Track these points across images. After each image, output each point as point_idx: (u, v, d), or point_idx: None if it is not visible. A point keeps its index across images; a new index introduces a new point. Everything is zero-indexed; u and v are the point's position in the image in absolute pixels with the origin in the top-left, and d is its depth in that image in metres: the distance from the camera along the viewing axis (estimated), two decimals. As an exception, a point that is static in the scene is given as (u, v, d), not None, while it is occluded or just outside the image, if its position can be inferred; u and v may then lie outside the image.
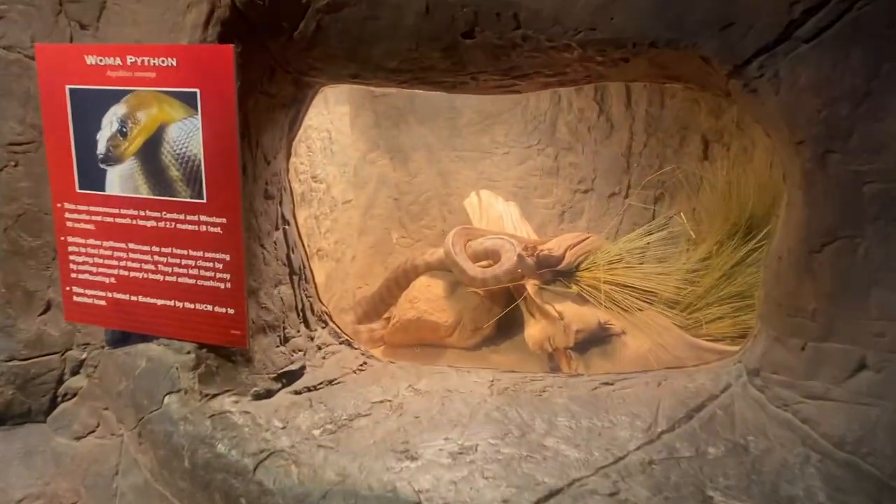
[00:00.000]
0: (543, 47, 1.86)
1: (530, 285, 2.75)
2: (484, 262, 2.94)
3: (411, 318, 2.89)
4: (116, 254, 2.08)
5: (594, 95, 3.47)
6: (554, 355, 2.68)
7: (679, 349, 2.44)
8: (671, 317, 2.54)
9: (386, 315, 3.23)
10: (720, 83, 1.86)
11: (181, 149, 1.93)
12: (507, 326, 3.04)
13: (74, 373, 2.47)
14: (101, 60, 1.96)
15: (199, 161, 1.92)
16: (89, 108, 2.00)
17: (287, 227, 2.48)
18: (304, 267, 2.56)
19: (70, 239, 2.12)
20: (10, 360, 2.29)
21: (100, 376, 2.40)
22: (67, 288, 2.16)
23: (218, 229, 1.95)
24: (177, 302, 2.05)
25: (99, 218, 2.07)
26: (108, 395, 2.38)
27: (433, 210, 3.80)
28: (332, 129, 3.19)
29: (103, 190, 2.04)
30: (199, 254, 1.99)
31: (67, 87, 2.00)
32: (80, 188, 2.06)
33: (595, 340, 2.61)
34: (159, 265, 2.04)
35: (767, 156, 3.02)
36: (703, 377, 2.24)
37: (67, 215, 2.10)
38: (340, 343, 2.66)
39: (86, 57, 1.97)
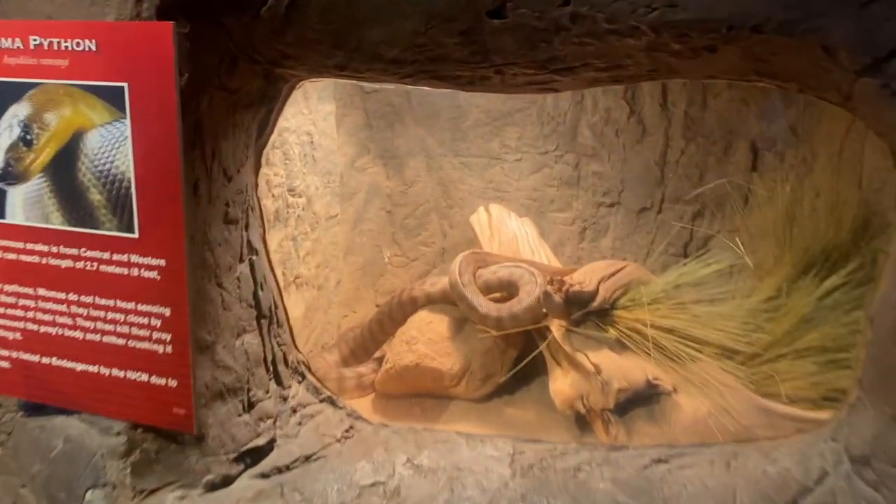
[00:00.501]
0: (600, 31, 1.40)
1: (555, 327, 2.29)
2: (497, 295, 2.46)
3: (408, 364, 2.42)
4: (22, 302, 1.59)
5: (623, 93, 3.01)
6: (587, 416, 2.22)
7: (746, 414, 1.99)
8: (734, 371, 2.09)
9: (377, 354, 2.75)
10: (840, 83, 1.40)
11: (104, 164, 1.45)
12: (524, 371, 2.58)
13: (-16, 440, 1.97)
14: (-5, 42, 1.47)
15: (129, 181, 1.43)
16: (-19, 106, 1.51)
17: (255, 257, 2.00)
18: (276, 307, 2.08)
19: (-38, 280, 1.62)
20: None
21: (14, 446, 1.92)
22: (-40, 343, 1.67)
23: (154, 273, 1.47)
24: (102, 368, 1.57)
25: (-2, 254, 1.58)
26: (24, 471, 1.89)
27: (432, 224, 3.33)
28: (315, 131, 2.70)
29: (3, 217, 1.56)
30: (131, 306, 1.51)
31: (-48, 78, 1.51)
32: (-27, 214, 1.57)
33: (639, 399, 2.15)
34: (78, 319, 1.56)
35: (832, 169, 2.57)
36: (787, 458, 1.78)
37: (-42, 249, 1.60)
38: (321, 401, 2.18)
39: (-25, 38, 1.48)
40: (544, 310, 2.28)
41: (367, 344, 2.71)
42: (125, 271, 1.49)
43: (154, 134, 1.40)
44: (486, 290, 2.45)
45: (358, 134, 3.17)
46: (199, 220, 1.68)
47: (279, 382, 2.04)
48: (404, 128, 3.24)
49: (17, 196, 1.53)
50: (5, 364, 1.65)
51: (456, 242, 3.32)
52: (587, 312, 2.30)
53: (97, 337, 1.55)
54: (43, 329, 1.58)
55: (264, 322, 2.02)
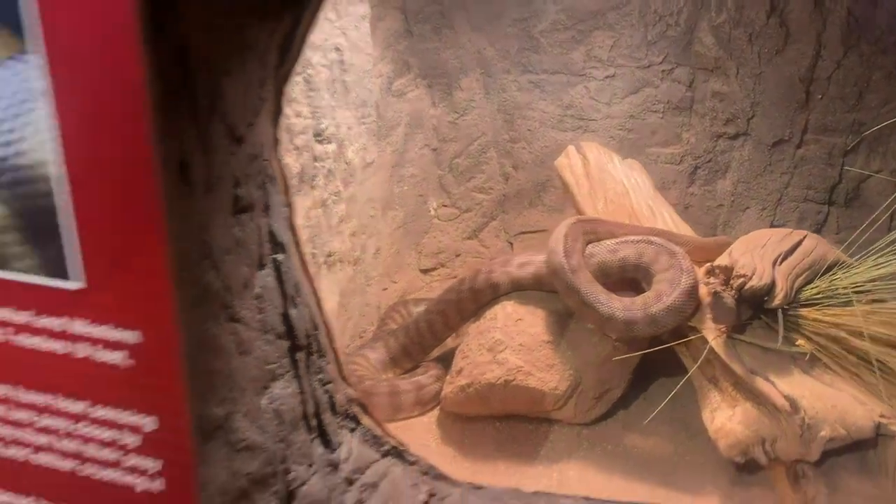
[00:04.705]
0: None
1: (710, 332, 1.64)
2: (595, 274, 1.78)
3: (494, 381, 1.77)
4: None
5: (762, -17, 2.26)
6: (768, 468, 1.59)
7: None
8: None
9: (435, 353, 2.10)
10: None
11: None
12: (647, 379, 1.95)
13: None
14: None
15: (49, 178, 0.73)
16: None
17: (281, 256, 1.31)
18: (316, 327, 1.41)
19: None
20: None
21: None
22: None
23: (119, 356, 0.79)
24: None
25: None
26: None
27: (490, 165, 2.63)
28: (345, 45, 1.95)
29: None
30: (79, 407, 0.84)
31: None
32: None
33: (850, 444, 1.52)
34: (-15, 423, 0.88)
35: None
36: None
37: None
38: (384, 455, 1.54)
39: None
40: (710, 315, 1.61)
41: (425, 340, 2.06)
42: (62, 348, 0.80)
43: (97, 79, 0.68)
44: (603, 275, 1.78)
45: (396, 45, 2.41)
46: (195, 226, 0.99)
47: (326, 443, 1.39)
48: (455, 35, 2.48)
49: None
50: None
51: (521, 187, 2.62)
52: (758, 308, 1.64)
53: (22, 454, 0.87)
54: (-73, 433, 0.91)
55: (300, 356, 1.35)
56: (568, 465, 1.78)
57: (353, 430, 1.50)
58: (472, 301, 1.95)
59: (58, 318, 0.79)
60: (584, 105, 2.50)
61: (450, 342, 2.12)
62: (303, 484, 1.28)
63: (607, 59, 2.44)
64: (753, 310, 1.64)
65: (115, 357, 0.78)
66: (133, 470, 0.84)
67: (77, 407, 0.83)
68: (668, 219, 2.01)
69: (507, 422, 1.89)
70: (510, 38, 2.47)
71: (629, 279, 1.83)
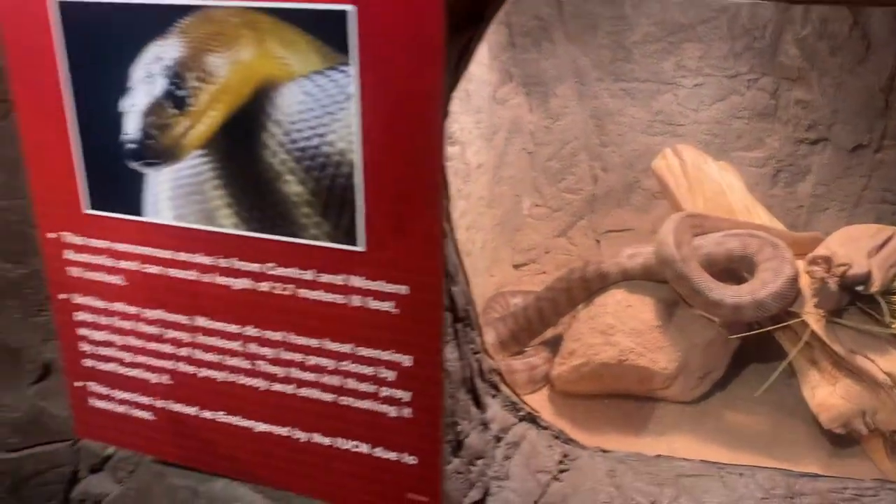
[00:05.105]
0: None
1: (812, 317, 1.79)
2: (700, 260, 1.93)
3: (608, 360, 1.94)
4: (171, 334, 1.12)
5: (846, -2, 2.40)
6: (854, 435, 1.75)
7: None
8: None
9: (538, 340, 2.27)
10: None
11: (310, 138, 0.95)
12: (741, 362, 2.10)
13: (95, 470, 1.61)
14: (125, -60, 0.95)
15: (350, 165, 0.93)
16: (103, 44, 1.00)
17: (444, 240, 1.50)
18: (469, 303, 1.60)
19: (78, 299, 1.16)
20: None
21: (138, 487, 1.53)
22: (79, 384, 1.22)
23: (389, 305, 0.99)
24: (296, 431, 1.11)
25: (133, 265, 1.11)
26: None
27: (580, 167, 2.80)
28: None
29: (140, 214, 1.07)
30: (346, 349, 1.04)
31: (56, -1, 1.00)
32: (94, 207, 1.09)
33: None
34: (259, 363, 1.08)
35: None
36: None
37: (70, 256, 1.14)
38: (521, 419, 1.74)
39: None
40: (814, 301, 1.77)
41: (533, 326, 2.23)
42: (339, 300, 1.00)
43: (401, 90, 0.88)
44: (709, 265, 1.94)
45: (500, 56, 2.60)
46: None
47: (478, 404, 1.59)
48: (553, 46, 2.66)
49: (164, 183, 1.03)
50: (145, 415, 1.19)
51: (610, 188, 2.78)
52: (852, 295, 1.78)
53: (289, 388, 1.08)
54: (203, 373, 1.12)
55: (459, 327, 1.54)
56: (674, 439, 1.95)
57: (494, 397, 1.69)
58: (583, 290, 2.12)
59: (338, 276, 0.99)
60: (672, 111, 2.66)
61: (548, 332, 2.30)
62: (467, 436, 1.48)
63: (696, 68, 2.60)
64: (853, 296, 1.79)
65: (385, 306, 0.98)
66: (387, 400, 1.03)
67: (344, 348, 1.02)
68: (763, 216, 2.17)
69: (614, 399, 2.06)
70: (604, 48, 2.64)
71: (730, 270, 1.99)
